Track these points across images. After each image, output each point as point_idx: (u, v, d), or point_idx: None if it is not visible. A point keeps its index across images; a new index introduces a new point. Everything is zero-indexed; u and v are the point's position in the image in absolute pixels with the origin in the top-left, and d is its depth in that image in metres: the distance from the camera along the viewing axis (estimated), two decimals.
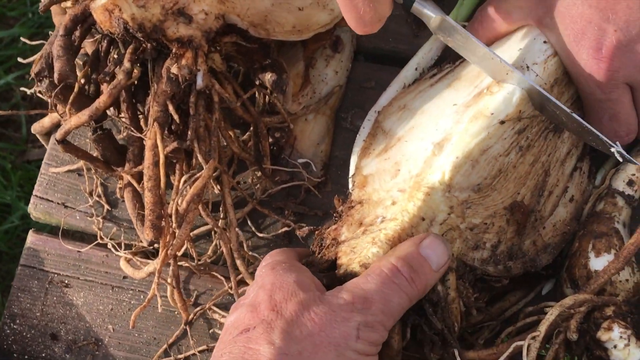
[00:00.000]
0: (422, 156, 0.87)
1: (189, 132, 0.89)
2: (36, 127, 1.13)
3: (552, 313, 0.78)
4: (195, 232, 1.03)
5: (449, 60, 1.03)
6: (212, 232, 1.01)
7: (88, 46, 1.01)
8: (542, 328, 0.78)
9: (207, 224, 1.00)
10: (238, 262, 0.95)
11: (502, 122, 0.85)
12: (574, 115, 0.85)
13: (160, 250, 0.91)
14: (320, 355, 0.72)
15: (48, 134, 1.15)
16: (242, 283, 0.97)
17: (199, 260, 1.01)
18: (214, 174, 0.97)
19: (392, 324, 0.77)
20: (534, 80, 0.86)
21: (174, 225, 0.89)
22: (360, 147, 0.99)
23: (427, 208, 0.84)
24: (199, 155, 0.90)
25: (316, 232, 0.93)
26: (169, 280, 0.95)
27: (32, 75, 0.92)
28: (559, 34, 0.86)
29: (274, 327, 0.72)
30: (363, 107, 1.06)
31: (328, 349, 0.72)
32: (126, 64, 0.89)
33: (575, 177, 0.93)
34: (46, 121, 1.12)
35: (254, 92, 0.97)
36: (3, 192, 1.96)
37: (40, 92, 0.93)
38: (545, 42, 0.89)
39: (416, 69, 1.03)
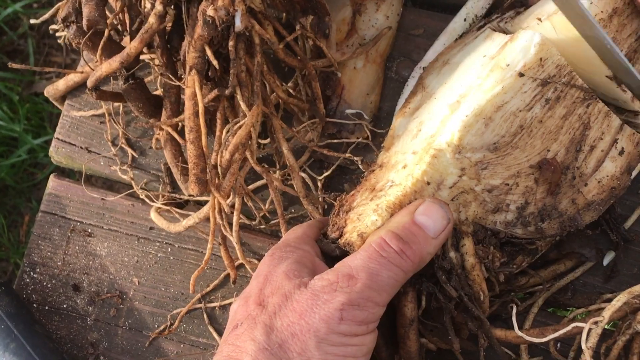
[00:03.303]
0: (441, 115, 0.81)
1: (231, 78, 0.83)
2: (50, 91, 1.06)
3: (620, 299, 0.73)
4: (251, 187, 0.98)
5: (498, 11, 0.96)
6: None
7: None
8: (606, 314, 0.72)
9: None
10: (309, 208, 0.89)
11: (521, 75, 0.77)
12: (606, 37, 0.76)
13: (210, 206, 0.85)
14: (299, 344, 0.68)
15: (63, 97, 1.08)
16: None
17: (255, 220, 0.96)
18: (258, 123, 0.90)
19: (385, 299, 0.72)
20: (588, 8, 0.79)
21: (220, 177, 0.84)
22: (400, 106, 0.93)
23: (433, 172, 0.77)
24: (241, 102, 0.83)
25: (337, 198, 0.88)
26: (216, 235, 0.89)
27: (59, 20, 0.85)
28: None
29: (257, 323, 0.70)
30: (410, 55, 0.99)
31: (307, 336, 0.68)
32: (158, 6, 0.82)
33: (626, 128, 0.85)
34: (60, 84, 1.04)
35: (298, 34, 0.90)
36: (10, 125, 1.89)
37: (68, 39, 0.85)
38: None
39: (465, 19, 0.96)
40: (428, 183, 0.77)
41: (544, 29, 0.81)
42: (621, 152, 0.84)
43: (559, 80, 0.79)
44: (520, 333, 0.77)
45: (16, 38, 2.00)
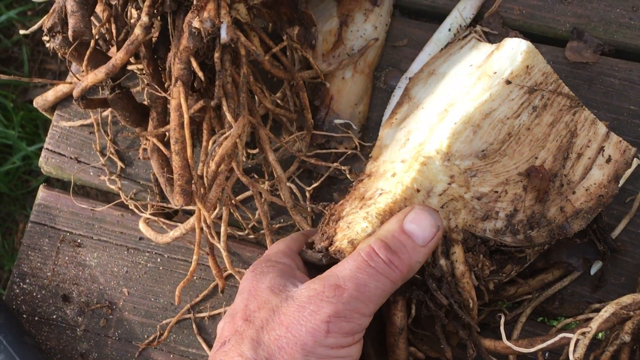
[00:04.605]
0: (430, 123, 0.82)
1: (216, 89, 0.83)
2: (39, 101, 1.06)
3: (607, 310, 0.73)
4: (240, 197, 0.98)
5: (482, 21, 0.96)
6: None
7: (99, 4, 0.93)
8: (594, 325, 0.72)
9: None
10: (297, 218, 0.90)
11: (508, 82, 0.78)
12: None
13: (196, 217, 0.85)
14: (286, 358, 0.68)
15: (52, 108, 1.08)
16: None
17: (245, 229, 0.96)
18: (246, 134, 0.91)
19: (372, 310, 0.72)
20: None
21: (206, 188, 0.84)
22: (387, 117, 0.93)
23: (422, 179, 0.78)
24: (227, 113, 0.83)
25: (326, 207, 0.88)
26: (204, 246, 0.89)
27: (45, 30, 0.85)
28: None
29: (244, 338, 0.70)
30: (398, 65, 0.99)
31: (294, 349, 0.69)
32: (144, 17, 0.82)
33: (612, 136, 0.85)
34: (50, 95, 1.05)
35: (284, 45, 0.90)
36: (4, 133, 1.89)
37: (54, 49, 0.85)
38: None
39: (449, 29, 0.96)
40: (418, 190, 0.78)
41: None
42: (608, 160, 0.85)
43: (546, 87, 0.80)
44: (508, 343, 0.76)
45: (10, 45, 2.00)
